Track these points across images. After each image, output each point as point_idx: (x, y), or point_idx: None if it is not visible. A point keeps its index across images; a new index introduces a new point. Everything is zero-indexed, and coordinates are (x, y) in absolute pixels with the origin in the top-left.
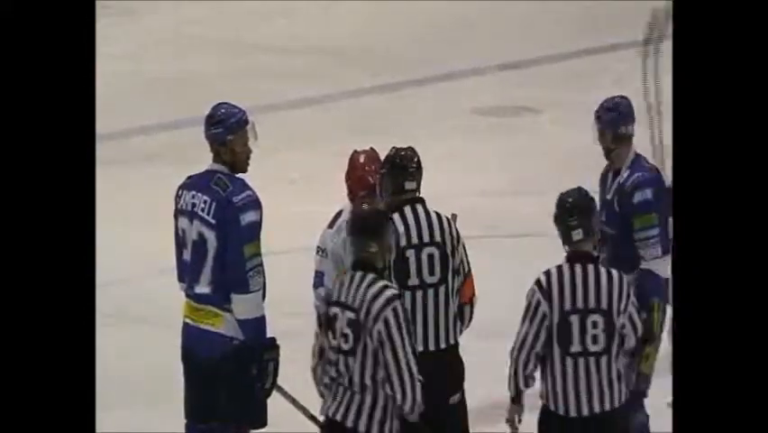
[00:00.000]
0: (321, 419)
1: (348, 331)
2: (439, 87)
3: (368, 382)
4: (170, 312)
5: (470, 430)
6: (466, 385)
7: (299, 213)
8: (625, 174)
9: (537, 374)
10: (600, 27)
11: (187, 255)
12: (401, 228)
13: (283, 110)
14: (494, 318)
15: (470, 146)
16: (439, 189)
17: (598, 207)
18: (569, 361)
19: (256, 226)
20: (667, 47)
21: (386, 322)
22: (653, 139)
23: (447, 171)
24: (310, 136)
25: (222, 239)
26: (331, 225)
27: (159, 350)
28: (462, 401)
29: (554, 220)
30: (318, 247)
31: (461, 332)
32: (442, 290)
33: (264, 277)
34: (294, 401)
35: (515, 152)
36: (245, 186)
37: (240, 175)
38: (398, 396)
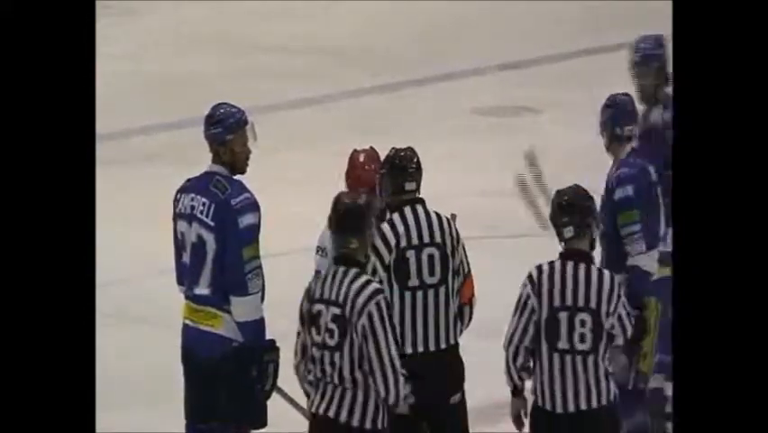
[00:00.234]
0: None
1: (333, 327)
2: (439, 87)
3: (358, 376)
4: (170, 312)
5: (471, 430)
6: (466, 385)
7: (299, 213)
8: (612, 171)
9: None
10: (600, 27)
11: (186, 258)
12: (401, 229)
13: (283, 110)
14: (494, 318)
15: (470, 146)
16: (439, 190)
17: (597, 205)
18: (556, 357)
19: (254, 229)
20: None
21: (369, 316)
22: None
23: (447, 171)
24: (310, 136)
25: (220, 241)
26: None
27: (159, 350)
28: (463, 401)
29: (550, 216)
30: (318, 247)
31: (461, 332)
32: (442, 290)
33: (263, 279)
34: (293, 402)
35: (515, 152)
36: (243, 188)
37: (239, 175)
38: (382, 389)
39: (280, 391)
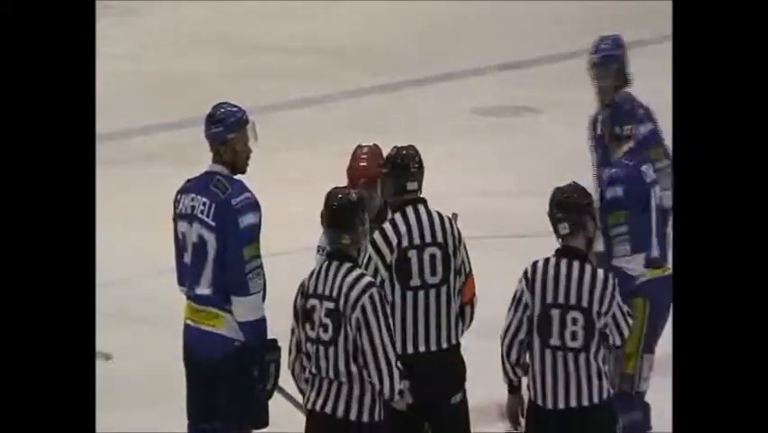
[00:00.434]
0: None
1: (327, 321)
2: (439, 87)
3: (353, 369)
4: (170, 312)
5: (472, 430)
6: (467, 385)
7: (299, 213)
8: (607, 170)
9: None
10: (601, 27)
11: (187, 258)
12: (403, 228)
13: (283, 110)
14: (495, 318)
15: (471, 146)
16: (439, 190)
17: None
18: (548, 353)
19: (255, 228)
20: (667, 47)
21: (363, 309)
22: None
23: (447, 172)
24: (310, 136)
25: (221, 241)
26: None
27: (159, 350)
28: (464, 401)
29: (547, 214)
30: (319, 247)
31: (462, 332)
32: (443, 290)
33: (264, 278)
34: (295, 402)
35: (515, 152)
36: (244, 188)
37: (239, 175)
38: (376, 382)
39: (282, 391)
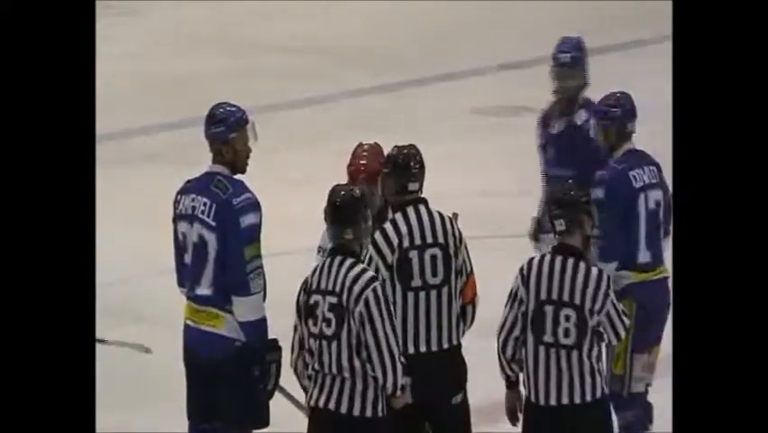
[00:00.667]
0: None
1: (330, 316)
2: (439, 87)
3: (356, 364)
4: (170, 312)
5: (472, 430)
6: (467, 385)
7: (299, 213)
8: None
9: None
10: (601, 27)
11: (188, 259)
12: (404, 229)
13: (283, 110)
14: (495, 318)
15: (470, 146)
16: (439, 190)
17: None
18: (541, 350)
19: (256, 229)
20: (667, 47)
21: (366, 303)
22: None
23: (447, 172)
24: (310, 136)
25: (222, 241)
26: None
27: (159, 350)
28: (465, 402)
29: (546, 211)
30: (319, 247)
31: (463, 333)
32: (445, 291)
33: (264, 279)
34: (296, 402)
35: (515, 152)
36: (245, 188)
37: (240, 175)
38: (380, 376)
39: (283, 391)
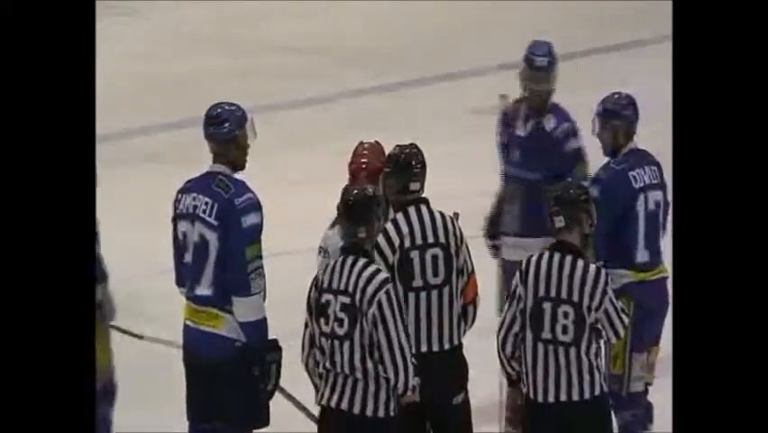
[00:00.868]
0: (317, 409)
1: (343, 316)
2: (439, 86)
3: (368, 365)
4: (170, 312)
5: (474, 430)
6: (468, 385)
7: (299, 213)
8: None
9: None
10: (601, 27)
11: (188, 258)
12: (405, 229)
13: (283, 110)
14: (496, 318)
15: (470, 146)
16: (439, 190)
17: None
18: (540, 347)
19: (257, 229)
20: (667, 47)
21: (379, 305)
22: None
23: (447, 172)
24: (310, 136)
25: (223, 240)
26: (332, 226)
27: (159, 350)
28: (466, 402)
29: (545, 208)
30: (320, 247)
31: (464, 332)
32: (446, 291)
33: (264, 279)
34: (296, 402)
35: None
36: (246, 188)
37: (240, 175)
38: (392, 376)
39: (283, 391)
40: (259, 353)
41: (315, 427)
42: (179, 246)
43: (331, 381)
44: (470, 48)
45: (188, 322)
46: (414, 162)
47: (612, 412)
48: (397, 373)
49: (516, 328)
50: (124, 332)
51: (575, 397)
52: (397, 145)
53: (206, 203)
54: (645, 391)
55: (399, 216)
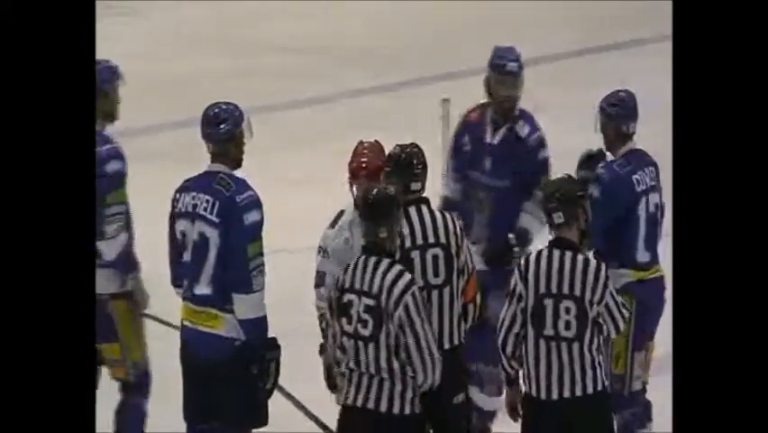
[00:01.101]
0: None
1: (367, 317)
2: (439, 86)
3: (395, 365)
4: (170, 312)
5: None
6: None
7: (299, 213)
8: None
9: None
10: (601, 27)
11: (187, 257)
12: (406, 229)
13: (283, 110)
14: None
15: None
16: (439, 190)
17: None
18: (542, 343)
19: (259, 226)
20: (667, 46)
21: (406, 307)
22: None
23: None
24: (310, 136)
25: (224, 238)
26: (332, 225)
27: (159, 350)
28: (466, 401)
29: (542, 204)
30: (320, 247)
31: (464, 332)
32: (446, 291)
33: (265, 276)
34: (295, 401)
35: None
36: (247, 186)
37: (239, 174)
38: (420, 376)
39: (282, 390)
40: (258, 351)
41: (314, 426)
42: (177, 245)
43: (355, 380)
44: (470, 48)
45: (187, 323)
46: (415, 162)
47: (612, 411)
48: (425, 373)
49: (516, 328)
50: (156, 319)
51: (578, 393)
52: (398, 145)
53: (207, 201)
54: (644, 390)
55: None
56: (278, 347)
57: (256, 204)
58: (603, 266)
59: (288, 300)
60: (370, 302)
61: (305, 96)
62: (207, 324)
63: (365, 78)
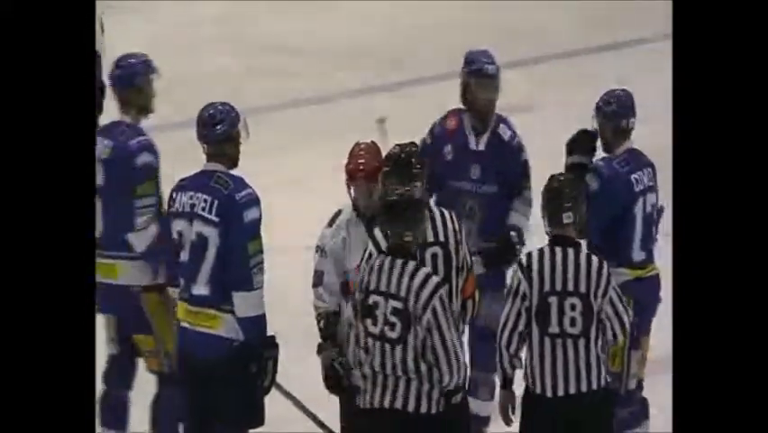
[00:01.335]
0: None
1: (395, 320)
2: (439, 86)
3: (422, 366)
4: None
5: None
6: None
7: (299, 213)
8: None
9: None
10: (601, 26)
11: (184, 257)
12: None
13: (283, 110)
14: None
15: None
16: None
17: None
18: (547, 341)
19: (258, 223)
20: (667, 46)
21: (434, 311)
22: None
23: None
24: (310, 136)
25: (224, 236)
26: (330, 225)
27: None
28: (465, 401)
29: (546, 202)
30: (317, 246)
31: (463, 330)
32: (445, 289)
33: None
34: (294, 399)
35: None
36: (245, 184)
37: (240, 175)
38: (447, 377)
39: (280, 388)
40: (256, 349)
41: (313, 426)
42: (174, 245)
43: (381, 382)
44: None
45: (184, 324)
46: (414, 161)
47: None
48: (451, 374)
49: (520, 327)
50: None
51: (584, 388)
52: (397, 144)
53: (206, 200)
54: (640, 387)
55: None
56: (276, 346)
57: (255, 201)
58: (604, 262)
59: (286, 300)
60: (398, 305)
61: (305, 96)
62: (205, 324)
63: (365, 78)
